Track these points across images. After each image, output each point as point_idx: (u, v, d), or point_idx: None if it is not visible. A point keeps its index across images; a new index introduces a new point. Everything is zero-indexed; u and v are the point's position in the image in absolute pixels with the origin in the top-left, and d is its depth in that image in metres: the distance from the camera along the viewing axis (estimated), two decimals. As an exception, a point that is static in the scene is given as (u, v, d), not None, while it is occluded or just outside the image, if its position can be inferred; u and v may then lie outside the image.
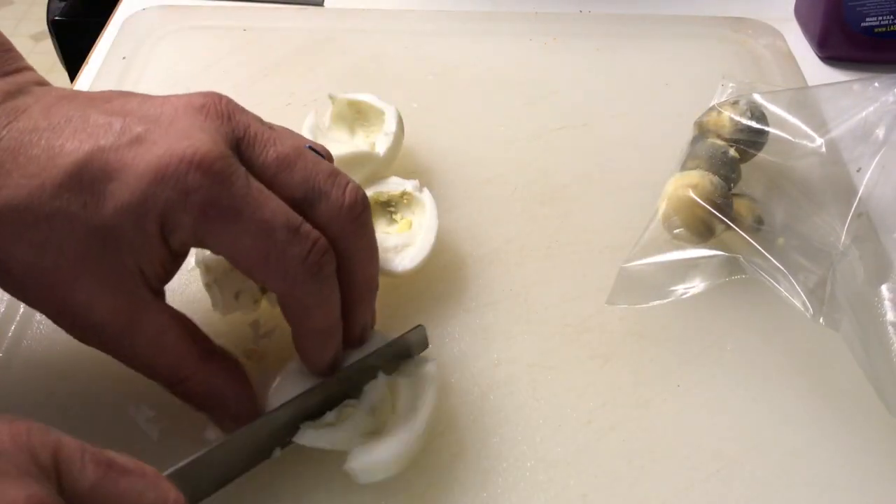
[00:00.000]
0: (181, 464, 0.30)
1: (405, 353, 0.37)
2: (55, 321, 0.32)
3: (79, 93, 0.34)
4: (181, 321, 0.33)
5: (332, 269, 0.33)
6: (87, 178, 0.30)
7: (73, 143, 0.30)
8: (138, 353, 0.32)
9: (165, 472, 0.30)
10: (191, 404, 0.34)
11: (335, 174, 0.34)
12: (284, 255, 0.31)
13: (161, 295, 0.33)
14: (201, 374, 0.33)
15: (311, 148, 0.35)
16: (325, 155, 0.37)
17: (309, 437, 0.34)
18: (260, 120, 0.35)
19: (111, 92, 0.34)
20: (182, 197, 0.30)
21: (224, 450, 0.32)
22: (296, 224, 0.31)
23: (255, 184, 0.31)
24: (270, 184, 0.32)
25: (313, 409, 0.35)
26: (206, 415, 0.34)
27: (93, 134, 0.31)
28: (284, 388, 0.35)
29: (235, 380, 0.34)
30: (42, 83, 0.35)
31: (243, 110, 0.34)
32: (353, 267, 0.34)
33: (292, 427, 0.34)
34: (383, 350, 0.36)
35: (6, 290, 0.32)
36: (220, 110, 0.33)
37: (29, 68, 0.36)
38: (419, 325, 0.37)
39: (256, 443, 0.33)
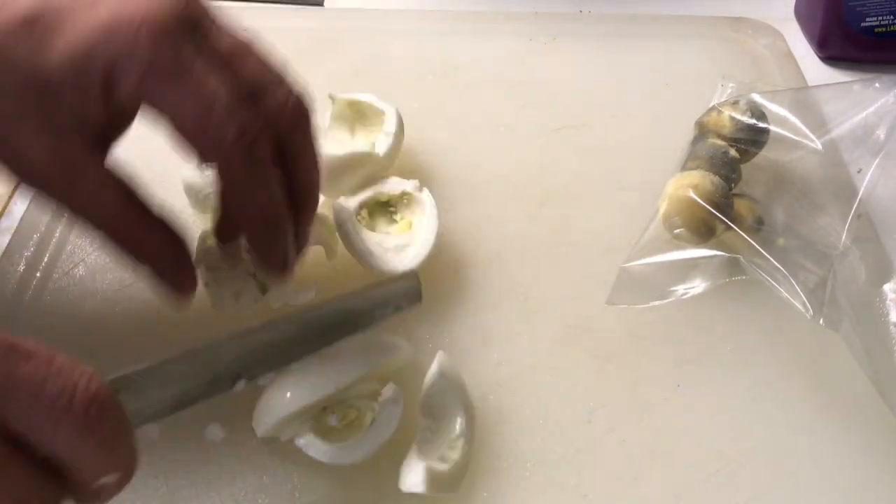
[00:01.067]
0: (129, 371, 0.30)
1: (392, 303, 0.36)
2: (6, 168, 0.33)
3: None
4: (122, 180, 0.33)
5: (268, 153, 0.33)
6: (40, 25, 0.30)
7: None
8: (79, 204, 0.33)
9: (110, 377, 0.29)
10: (129, 262, 0.34)
11: (283, 76, 0.34)
12: (222, 129, 0.31)
13: (104, 152, 0.34)
14: (137, 233, 0.33)
15: None
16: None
17: (314, 448, 0.34)
18: (222, 15, 0.35)
19: None
20: (130, 51, 0.30)
21: (180, 364, 0.32)
22: (235, 104, 0.32)
23: (204, 59, 0.32)
24: (220, 69, 0.33)
25: (278, 343, 0.34)
26: (150, 285, 0.34)
27: None
28: None
29: (173, 244, 0.34)
30: None
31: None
32: (294, 168, 0.34)
33: (256, 360, 0.33)
34: (366, 292, 0.36)
35: None
36: None
37: None
38: (411, 271, 0.37)
39: (214, 365, 0.33)
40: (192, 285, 0.35)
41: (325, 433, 0.35)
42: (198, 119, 0.31)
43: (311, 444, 0.34)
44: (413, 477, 0.33)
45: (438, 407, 0.36)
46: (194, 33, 0.32)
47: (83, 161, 0.32)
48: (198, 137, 0.32)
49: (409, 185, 0.44)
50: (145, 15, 0.30)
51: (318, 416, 0.35)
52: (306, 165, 0.35)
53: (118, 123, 0.33)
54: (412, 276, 0.38)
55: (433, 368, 0.36)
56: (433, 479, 0.33)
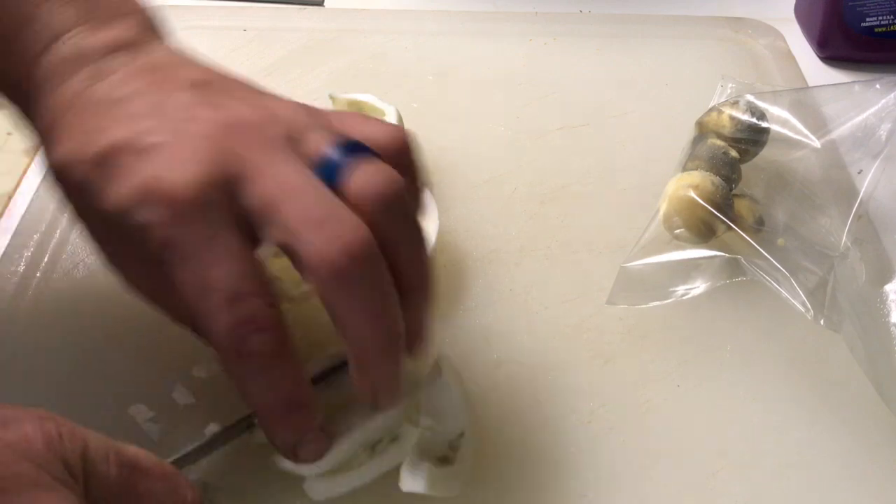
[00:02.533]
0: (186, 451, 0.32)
1: None
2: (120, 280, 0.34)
3: (163, 65, 0.33)
4: None
5: (268, 347, 0.29)
6: (107, 164, 0.30)
7: (110, 129, 0.31)
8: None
9: (170, 459, 0.31)
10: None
11: (327, 218, 0.29)
12: (214, 320, 0.29)
13: None
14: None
15: (352, 143, 0.32)
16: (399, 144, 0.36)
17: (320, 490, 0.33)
18: (286, 146, 0.31)
19: (197, 70, 0.33)
20: (149, 224, 0.29)
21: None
22: (238, 293, 0.29)
23: (225, 235, 0.29)
24: (256, 229, 0.30)
25: None
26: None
27: (127, 125, 0.31)
28: None
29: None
30: (148, 29, 0.35)
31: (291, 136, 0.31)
32: (345, 326, 0.30)
33: None
34: None
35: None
36: (248, 136, 0.31)
37: (142, 11, 0.35)
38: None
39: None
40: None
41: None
42: (193, 304, 0.29)
43: (314, 486, 0.33)
44: (413, 477, 0.33)
45: (438, 407, 0.36)
46: (236, 186, 0.30)
47: (165, 283, 0.30)
48: (196, 318, 0.29)
49: (409, 185, 0.44)
50: (172, 189, 0.29)
51: None
52: (360, 323, 0.30)
53: None
54: None
55: (433, 368, 0.36)
56: (433, 479, 0.33)
